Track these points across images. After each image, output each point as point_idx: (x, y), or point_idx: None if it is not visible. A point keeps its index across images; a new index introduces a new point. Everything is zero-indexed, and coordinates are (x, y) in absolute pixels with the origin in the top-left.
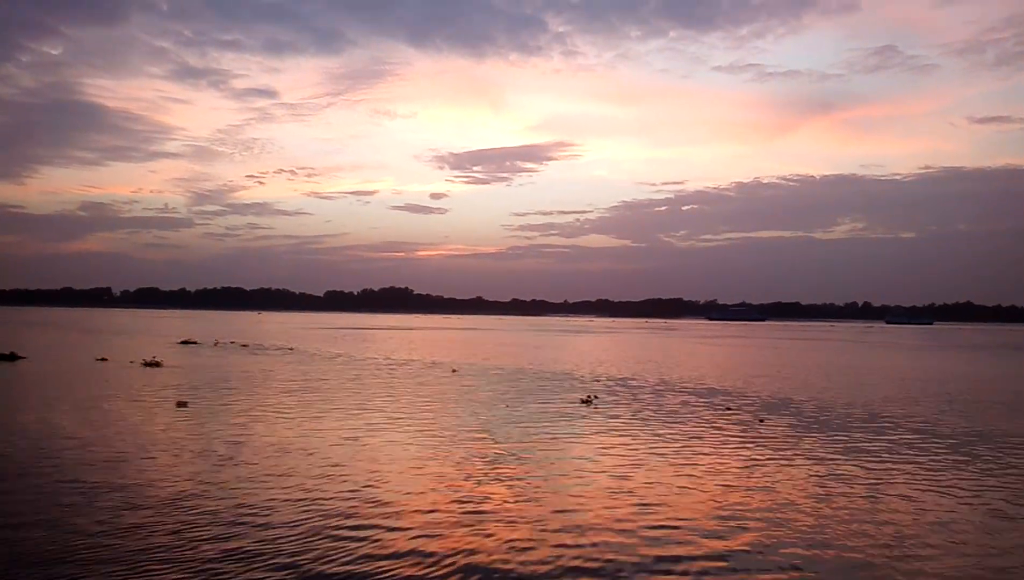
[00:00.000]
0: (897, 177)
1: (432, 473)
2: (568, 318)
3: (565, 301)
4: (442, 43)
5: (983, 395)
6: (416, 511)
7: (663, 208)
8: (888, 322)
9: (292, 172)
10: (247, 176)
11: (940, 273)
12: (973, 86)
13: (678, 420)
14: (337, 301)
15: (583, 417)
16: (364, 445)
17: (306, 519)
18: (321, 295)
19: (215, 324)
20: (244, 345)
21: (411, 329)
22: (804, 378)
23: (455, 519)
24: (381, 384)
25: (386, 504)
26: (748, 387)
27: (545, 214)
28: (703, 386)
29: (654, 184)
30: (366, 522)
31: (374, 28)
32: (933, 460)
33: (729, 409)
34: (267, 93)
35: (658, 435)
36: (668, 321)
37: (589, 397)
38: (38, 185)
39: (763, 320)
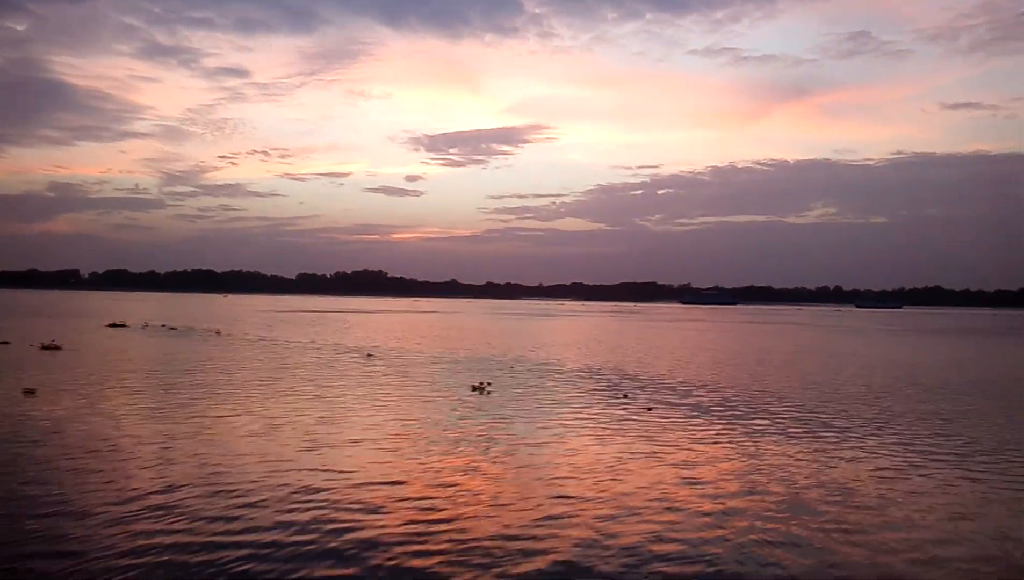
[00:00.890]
0: (869, 162)
1: (220, 472)
2: (539, 301)
3: (540, 284)
4: (417, 23)
5: (910, 378)
6: (170, 529)
7: (638, 192)
8: (858, 306)
9: (265, 153)
10: (219, 157)
11: (911, 258)
12: (946, 72)
13: (562, 410)
14: (310, 284)
15: (462, 407)
16: (176, 448)
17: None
18: (294, 278)
19: (169, 306)
20: (172, 328)
21: (371, 312)
22: (734, 363)
23: (219, 527)
24: (279, 371)
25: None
26: (666, 373)
27: (521, 197)
28: (620, 372)
29: (629, 168)
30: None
31: (348, 7)
32: (804, 446)
33: (626, 396)
34: (239, 72)
35: (529, 428)
36: (638, 305)
37: (481, 384)
38: (4, 165)
39: (735, 304)
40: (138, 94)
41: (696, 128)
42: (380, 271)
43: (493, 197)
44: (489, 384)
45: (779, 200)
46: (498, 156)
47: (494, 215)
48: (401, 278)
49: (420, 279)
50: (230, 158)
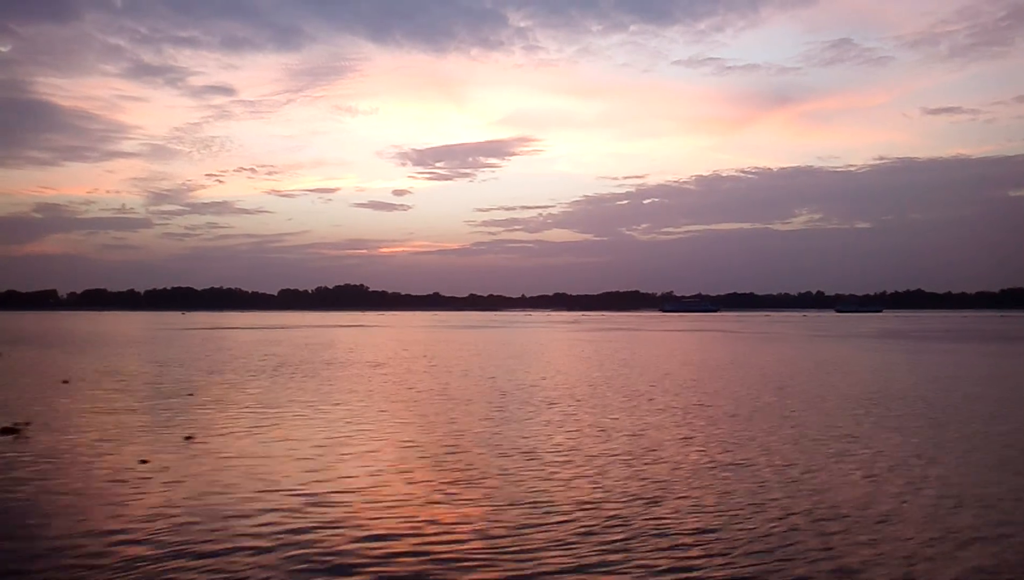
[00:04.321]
0: (852, 168)
1: None
2: (517, 312)
3: (523, 295)
4: (402, 38)
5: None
6: None
7: (625, 202)
8: (838, 311)
9: (252, 170)
10: (206, 175)
11: (895, 262)
12: (927, 77)
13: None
14: (291, 300)
15: None
16: None
17: None
18: (275, 294)
19: (96, 326)
20: None
21: (288, 328)
22: (538, 374)
23: None
24: None
25: None
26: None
27: (508, 209)
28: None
29: (616, 178)
30: None
31: (333, 23)
32: None
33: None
34: (225, 90)
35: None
36: (613, 314)
37: (16, 425)
38: None
39: (716, 311)
40: (124, 114)
41: (681, 137)
42: (361, 285)
43: (481, 210)
44: (29, 424)
45: (764, 207)
46: (485, 169)
47: (482, 228)
48: (383, 292)
49: (403, 293)
50: (217, 176)
